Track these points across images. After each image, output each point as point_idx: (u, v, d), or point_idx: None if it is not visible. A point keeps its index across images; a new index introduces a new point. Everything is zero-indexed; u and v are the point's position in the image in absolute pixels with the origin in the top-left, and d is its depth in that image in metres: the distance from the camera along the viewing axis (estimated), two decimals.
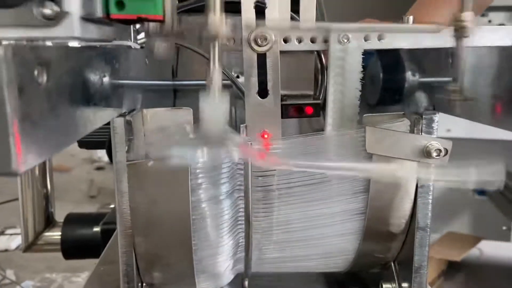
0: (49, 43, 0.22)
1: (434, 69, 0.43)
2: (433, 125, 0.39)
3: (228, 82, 0.52)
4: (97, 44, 0.33)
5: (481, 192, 2.14)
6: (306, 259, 0.45)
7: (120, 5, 0.29)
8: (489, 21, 1.91)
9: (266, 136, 0.41)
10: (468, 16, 0.32)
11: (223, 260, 0.42)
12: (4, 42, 0.24)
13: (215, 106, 0.30)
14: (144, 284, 0.44)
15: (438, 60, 0.41)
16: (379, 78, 0.49)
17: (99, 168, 3.99)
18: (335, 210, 0.42)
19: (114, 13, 0.29)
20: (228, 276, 0.46)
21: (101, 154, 4.14)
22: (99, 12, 0.28)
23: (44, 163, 1.02)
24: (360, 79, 0.41)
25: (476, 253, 2.34)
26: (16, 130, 0.18)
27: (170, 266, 0.42)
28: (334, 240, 0.43)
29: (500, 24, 1.88)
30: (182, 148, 0.34)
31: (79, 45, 0.28)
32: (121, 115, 0.36)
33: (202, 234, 0.40)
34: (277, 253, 0.44)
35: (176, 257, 0.41)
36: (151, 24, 0.34)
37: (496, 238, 2.13)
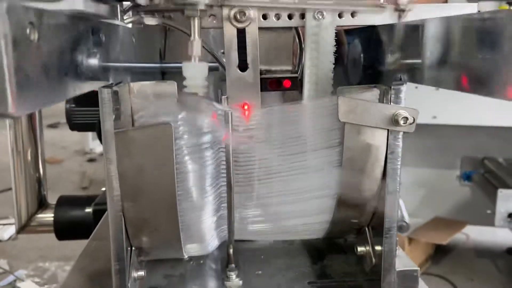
0: (41, 7, 0.24)
1: (407, 45, 0.45)
2: (400, 95, 0.42)
3: (215, 65, 0.55)
4: (86, 17, 0.36)
5: (467, 178, 2.19)
6: (286, 218, 0.47)
7: None
8: (478, 11, 1.94)
9: (246, 107, 0.44)
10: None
11: (207, 216, 0.45)
12: None
13: (195, 66, 0.35)
14: (133, 248, 0.46)
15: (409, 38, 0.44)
16: (360, 59, 0.52)
17: (90, 160, 3.99)
18: (312, 163, 0.44)
19: None
20: (212, 240, 0.48)
21: (93, 146, 4.13)
22: None
23: (36, 150, 1.04)
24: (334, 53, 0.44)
25: (463, 238, 2.41)
26: (12, 79, 0.20)
27: (157, 229, 0.45)
28: (311, 195, 0.46)
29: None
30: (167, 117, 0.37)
31: (69, 14, 0.30)
32: (108, 86, 0.39)
33: (186, 186, 0.42)
34: (258, 210, 0.47)
35: (163, 220, 0.44)
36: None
37: (481, 223, 2.18)
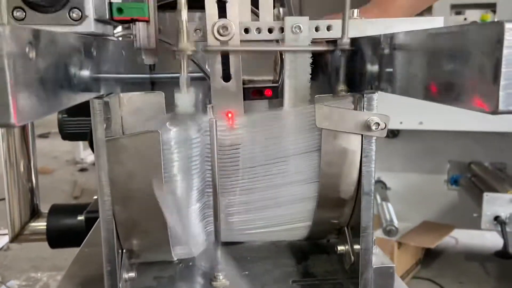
0: (38, 27, 0.27)
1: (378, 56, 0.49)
2: (372, 103, 0.45)
3: (201, 74, 0.58)
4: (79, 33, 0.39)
5: (454, 182, 2.23)
6: (270, 208, 0.50)
7: (120, 10, 0.43)
8: (465, 19, 2.00)
9: (230, 115, 0.47)
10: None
11: (192, 200, 0.47)
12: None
13: (185, 97, 0.43)
14: (124, 251, 0.49)
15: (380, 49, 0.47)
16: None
17: (82, 170, 3.99)
18: (292, 167, 0.48)
19: (116, 16, 0.43)
20: (199, 237, 0.51)
21: (84, 155, 4.13)
22: (106, 15, 0.41)
23: (29, 160, 1.06)
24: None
25: (452, 242, 2.45)
26: (13, 91, 0.23)
27: (147, 232, 0.47)
28: (293, 192, 0.49)
29: (473, 22, 1.96)
30: (155, 125, 0.40)
31: (63, 32, 0.33)
32: (99, 97, 0.41)
33: (171, 172, 0.45)
34: (243, 214, 0.50)
35: (151, 222, 0.46)
36: (142, 39, 0.46)
37: (468, 227, 2.22)
